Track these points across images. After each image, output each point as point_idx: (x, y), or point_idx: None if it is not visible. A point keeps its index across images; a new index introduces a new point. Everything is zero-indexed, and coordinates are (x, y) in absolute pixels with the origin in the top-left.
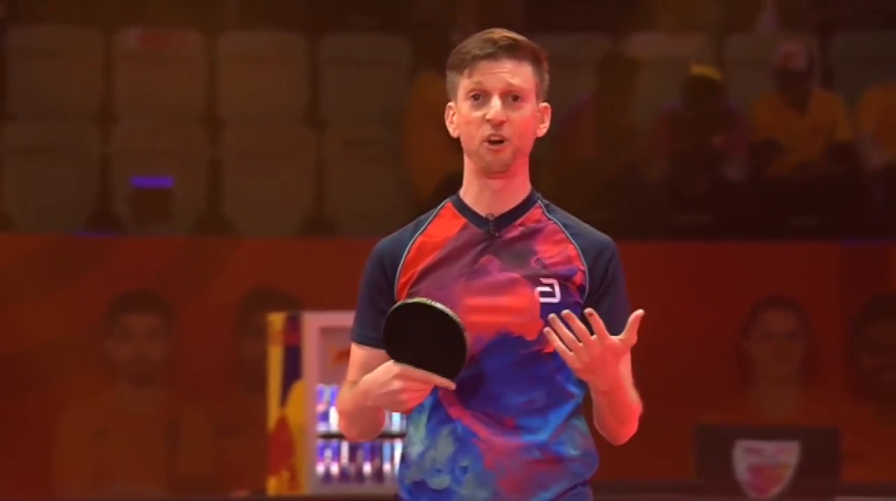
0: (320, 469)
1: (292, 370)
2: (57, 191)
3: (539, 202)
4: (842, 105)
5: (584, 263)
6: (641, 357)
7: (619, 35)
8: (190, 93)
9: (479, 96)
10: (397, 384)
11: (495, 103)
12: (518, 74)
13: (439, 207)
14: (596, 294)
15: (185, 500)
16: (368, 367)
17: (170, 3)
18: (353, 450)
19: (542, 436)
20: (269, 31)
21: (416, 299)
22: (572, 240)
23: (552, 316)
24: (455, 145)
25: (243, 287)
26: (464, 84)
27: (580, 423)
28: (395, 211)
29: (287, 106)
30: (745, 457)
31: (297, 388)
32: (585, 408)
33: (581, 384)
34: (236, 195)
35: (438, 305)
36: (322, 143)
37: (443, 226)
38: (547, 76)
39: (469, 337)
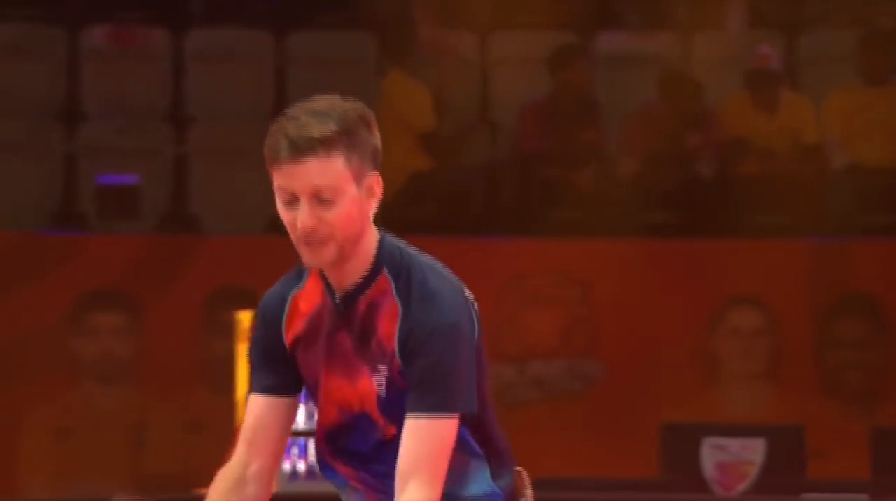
0: (287, 466)
1: None
2: (22, 189)
3: (384, 269)
4: (810, 106)
5: (398, 345)
6: (610, 354)
7: (587, 33)
8: (156, 91)
9: (290, 196)
10: None
11: (303, 209)
12: (326, 173)
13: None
14: (408, 376)
15: (152, 499)
16: (260, 419)
17: (136, 1)
18: None
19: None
20: (236, 28)
21: None
22: (399, 318)
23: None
24: (423, 144)
25: (210, 284)
26: (274, 180)
27: (477, 469)
28: None
29: (253, 104)
30: (711, 454)
31: None
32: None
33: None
34: (202, 193)
35: None
36: None
37: (310, 292)
38: (373, 142)
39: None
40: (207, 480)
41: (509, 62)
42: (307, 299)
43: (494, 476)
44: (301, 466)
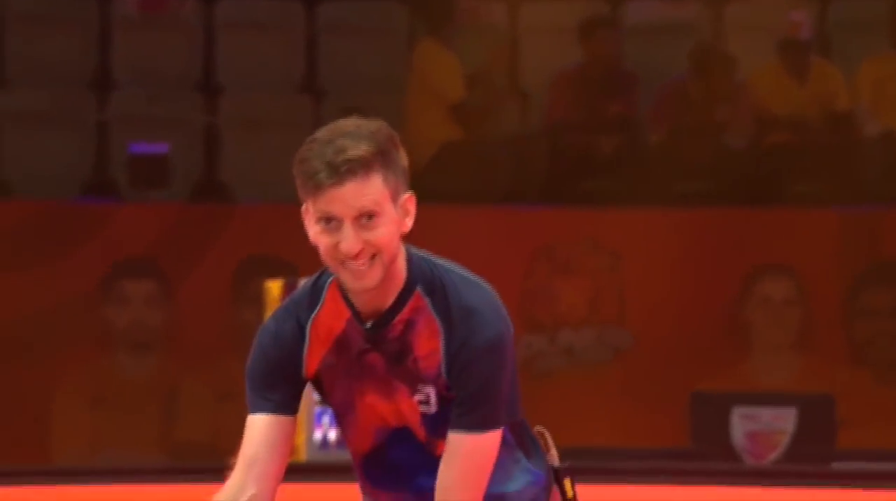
0: (318, 435)
1: None
2: (53, 158)
3: (418, 286)
4: (840, 75)
5: (444, 364)
6: (640, 323)
7: (617, 2)
8: (187, 60)
9: (331, 220)
10: None
11: (347, 232)
12: (367, 193)
13: (326, 285)
14: (455, 391)
15: (184, 467)
16: (266, 438)
17: None
18: None
19: None
20: None
21: None
22: (441, 334)
23: None
24: (453, 115)
25: (240, 253)
26: (312, 206)
27: (513, 461)
28: None
29: (284, 73)
30: (741, 424)
31: None
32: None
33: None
34: (233, 162)
35: None
36: (320, 111)
37: (331, 315)
38: (402, 162)
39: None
40: (239, 448)
41: (539, 32)
42: (328, 322)
43: (529, 457)
44: (332, 435)
